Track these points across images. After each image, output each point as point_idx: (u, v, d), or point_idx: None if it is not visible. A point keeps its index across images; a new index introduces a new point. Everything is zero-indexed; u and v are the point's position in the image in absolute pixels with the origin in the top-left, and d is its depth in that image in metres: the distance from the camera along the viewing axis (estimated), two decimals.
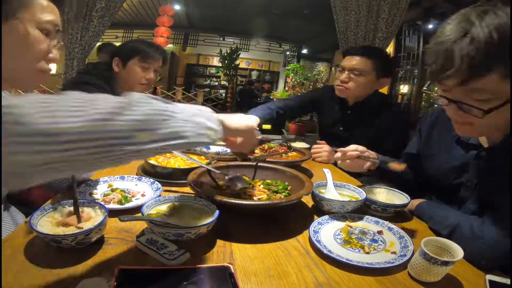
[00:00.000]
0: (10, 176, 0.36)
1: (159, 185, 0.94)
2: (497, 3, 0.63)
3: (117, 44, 1.83)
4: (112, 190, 0.90)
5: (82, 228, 0.62)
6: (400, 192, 0.99)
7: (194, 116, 0.50)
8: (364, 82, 1.48)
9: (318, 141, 1.54)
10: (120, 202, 0.82)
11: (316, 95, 1.84)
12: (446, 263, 0.59)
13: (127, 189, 0.92)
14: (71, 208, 0.69)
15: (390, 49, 5.19)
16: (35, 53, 0.66)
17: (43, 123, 0.35)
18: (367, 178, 1.27)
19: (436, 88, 0.77)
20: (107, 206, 0.70)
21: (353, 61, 1.48)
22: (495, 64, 0.61)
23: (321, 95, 1.78)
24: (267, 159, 1.16)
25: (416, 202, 0.95)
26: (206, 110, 0.55)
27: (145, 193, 0.91)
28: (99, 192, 0.90)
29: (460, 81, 0.65)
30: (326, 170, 1.03)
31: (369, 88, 1.52)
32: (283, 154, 1.35)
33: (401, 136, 1.48)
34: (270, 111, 1.66)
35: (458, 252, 0.62)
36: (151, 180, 0.98)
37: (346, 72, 1.50)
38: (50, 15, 0.67)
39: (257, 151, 1.38)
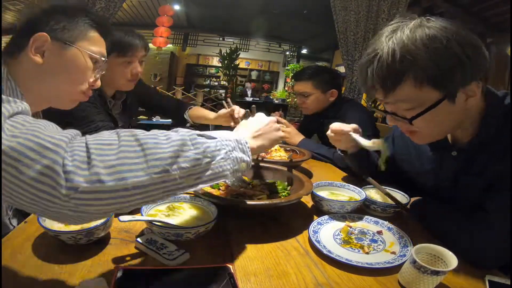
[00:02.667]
0: (78, 218, 0.44)
1: None
2: (415, 17, 0.69)
3: None
4: None
5: None
6: (400, 192, 0.98)
7: (230, 152, 0.55)
8: (314, 100, 1.72)
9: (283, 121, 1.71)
10: None
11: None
12: (437, 273, 0.56)
13: None
14: None
15: None
16: (84, 79, 0.75)
17: (112, 180, 0.42)
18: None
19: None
20: None
21: (298, 86, 1.76)
22: (401, 76, 0.66)
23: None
24: (265, 159, 1.16)
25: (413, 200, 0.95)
26: (242, 139, 0.59)
27: None
28: None
29: (382, 95, 0.72)
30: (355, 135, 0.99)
31: (321, 102, 1.74)
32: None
33: (356, 117, 1.58)
34: None
35: (452, 261, 0.58)
36: None
37: (299, 96, 1.78)
38: (99, 47, 0.77)
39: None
